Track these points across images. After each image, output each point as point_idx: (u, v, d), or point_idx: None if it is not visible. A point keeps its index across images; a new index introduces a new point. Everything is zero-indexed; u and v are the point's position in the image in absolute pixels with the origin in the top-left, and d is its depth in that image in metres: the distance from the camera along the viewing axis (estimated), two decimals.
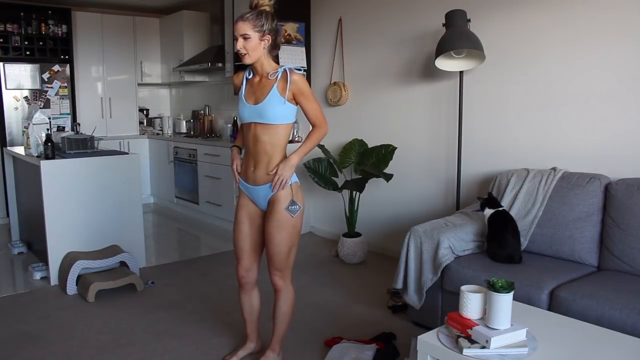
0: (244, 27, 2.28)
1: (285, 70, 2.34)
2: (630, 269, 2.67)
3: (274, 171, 2.37)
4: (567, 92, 3.26)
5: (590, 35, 3.13)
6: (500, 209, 2.94)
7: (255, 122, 2.36)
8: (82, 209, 3.92)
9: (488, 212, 2.94)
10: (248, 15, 2.29)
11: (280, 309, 2.53)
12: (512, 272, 2.64)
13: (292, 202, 2.39)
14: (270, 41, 2.34)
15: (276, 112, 2.32)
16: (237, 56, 5.27)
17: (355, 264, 4.29)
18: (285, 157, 2.41)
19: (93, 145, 4.25)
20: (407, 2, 4.21)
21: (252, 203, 2.51)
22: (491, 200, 2.97)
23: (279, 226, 2.39)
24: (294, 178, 2.43)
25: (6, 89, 5.71)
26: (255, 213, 2.52)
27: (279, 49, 2.44)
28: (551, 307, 2.43)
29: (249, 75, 2.44)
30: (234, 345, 2.87)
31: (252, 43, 2.29)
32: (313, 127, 2.42)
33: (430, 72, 4.05)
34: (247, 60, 2.33)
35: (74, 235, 3.90)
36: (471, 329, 1.90)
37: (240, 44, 2.30)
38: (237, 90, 2.49)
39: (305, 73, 2.45)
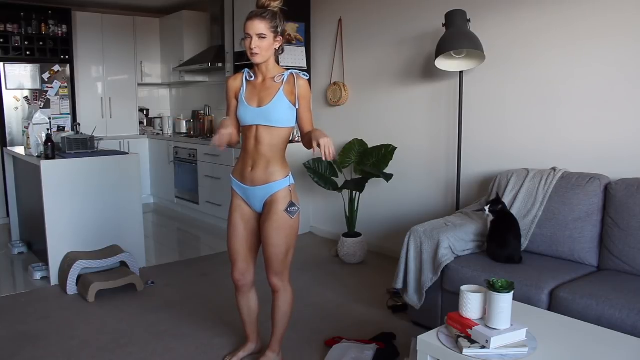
0: (261, 26, 2.23)
1: (292, 74, 2.32)
2: (630, 269, 2.67)
3: (317, 144, 2.15)
4: (567, 92, 3.26)
5: (590, 35, 3.13)
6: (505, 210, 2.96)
7: (257, 125, 2.34)
8: (82, 209, 3.92)
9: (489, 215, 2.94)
10: (265, 14, 2.24)
11: (280, 309, 2.52)
12: (512, 272, 2.64)
13: (291, 204, 2.38)
14: (281, 43, 2.32)
15: (283, 115, 2.31)
16: (238, 56, 5.33)
17: (355, 264, 4.29)
18: (284, 159, 2.40)
19: (93, 145, 4.25)
20: (407, 2, 4.21)
21: (246, 205, 2.48)
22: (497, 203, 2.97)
23: (277, 227, 2.37)
24: (291, 179, 2.42)
25: (6, 89, 5.71)
26: (249, 215, 2.48)
27: (282, 52, 2.40)
28: (551, 307, 2.43)
29: (250, 77, 2.40)
30: (234, 345, 2.87)
31: (266, 43, 2.25)
32: (307, 133, 2.35)
33: (430, 72, 4.04)
34: (258, 60, 2.28)
35: (74, 235, 3.90)
36: (471, 329, 1.90)
37: (254, 42, 2.24)
38: (232, 92, 2.43)
39: (306, 75, 2.40)
